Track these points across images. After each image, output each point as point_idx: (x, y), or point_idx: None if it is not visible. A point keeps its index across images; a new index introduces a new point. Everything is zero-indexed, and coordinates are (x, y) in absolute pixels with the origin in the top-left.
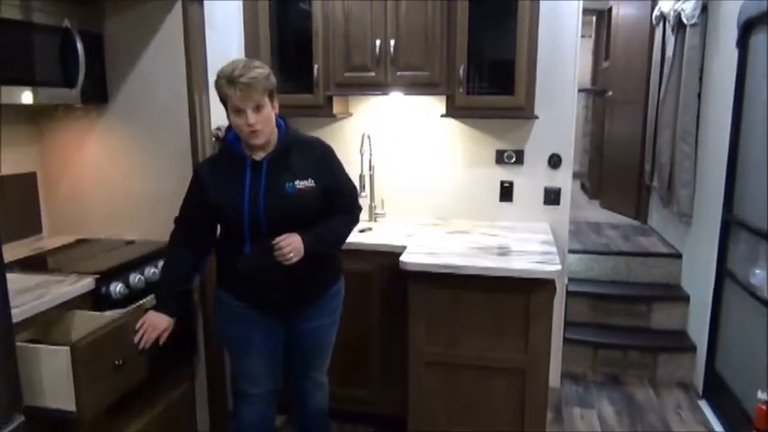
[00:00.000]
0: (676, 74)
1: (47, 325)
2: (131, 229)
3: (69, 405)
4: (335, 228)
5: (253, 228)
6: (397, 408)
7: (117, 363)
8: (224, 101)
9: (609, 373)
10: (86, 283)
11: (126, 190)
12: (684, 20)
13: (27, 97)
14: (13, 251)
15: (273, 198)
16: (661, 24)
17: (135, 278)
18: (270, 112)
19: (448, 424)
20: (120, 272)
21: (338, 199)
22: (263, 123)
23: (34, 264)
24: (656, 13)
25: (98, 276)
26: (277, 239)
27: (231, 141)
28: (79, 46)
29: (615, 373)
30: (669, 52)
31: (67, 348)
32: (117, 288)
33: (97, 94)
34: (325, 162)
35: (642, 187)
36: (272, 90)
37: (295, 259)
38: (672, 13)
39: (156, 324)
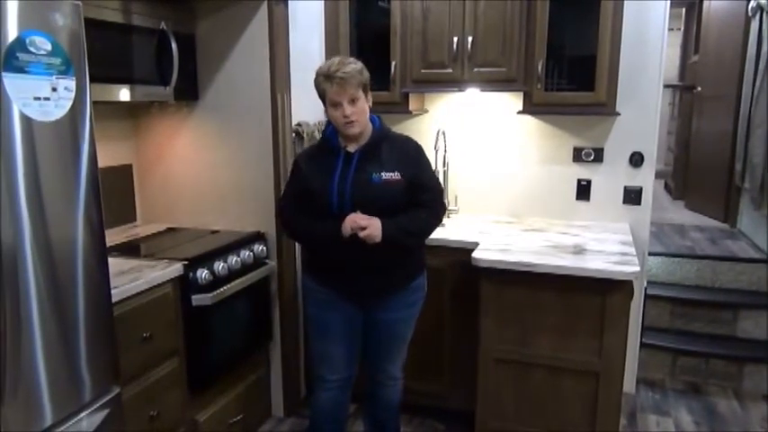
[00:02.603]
0: None
1: None
2: (216, 220)
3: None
4: (416, 220)
5: (340, 213)
6: (467, 403)
7: (144, 336)
8: (322, 96)
9: (689, 382)
10: (175, 269)
11: (212, 182)
12: None
13: (125, 95)
14: (111, 237)
15: (360, 186)
16: (757, 16)
17: (219, 266)
18: (364, 104)
19: (517, 422)
20: (205, 259)
21: (422, 194)
22: (358, 114)
23: (129, 249)
24: (751, 4)
25: (186, 263)
26: (357, 213)
27: (330, 135)
28: (174, 46)
29: (696, 382)
30: (765, 46)
31: None
32: (203, 274)
33: (189, 92)
34: (413, 157)
35: (732, 188)
36: (366, 84)
37: (376, 236)
38: None
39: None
